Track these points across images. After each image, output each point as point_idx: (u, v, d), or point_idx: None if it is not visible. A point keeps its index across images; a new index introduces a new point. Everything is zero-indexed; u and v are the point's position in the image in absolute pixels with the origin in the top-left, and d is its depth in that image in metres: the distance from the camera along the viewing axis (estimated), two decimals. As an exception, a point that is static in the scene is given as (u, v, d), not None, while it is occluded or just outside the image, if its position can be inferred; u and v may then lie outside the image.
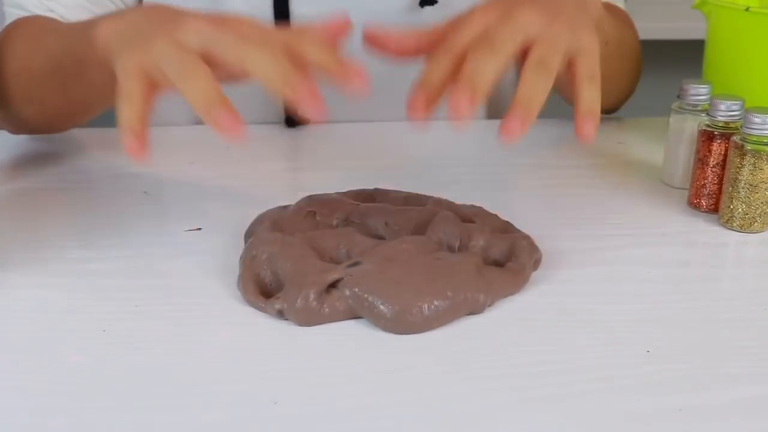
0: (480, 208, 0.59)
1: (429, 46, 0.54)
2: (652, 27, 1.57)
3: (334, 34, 0.54)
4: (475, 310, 0.49)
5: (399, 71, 0.88)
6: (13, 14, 0.77)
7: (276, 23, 0.78)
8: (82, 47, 0.59)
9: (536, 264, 0.54)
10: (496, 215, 0.58)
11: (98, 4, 0.78)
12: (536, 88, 0.49)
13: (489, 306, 0.50)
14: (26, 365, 0.45)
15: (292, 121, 0.84)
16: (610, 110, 0.86)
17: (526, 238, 0.56)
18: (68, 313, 0.50)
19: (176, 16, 0.52)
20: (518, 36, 0.50)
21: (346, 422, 0.41)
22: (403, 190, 0.61)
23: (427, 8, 0.81)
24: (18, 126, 0.77)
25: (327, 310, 0.48)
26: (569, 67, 0.52)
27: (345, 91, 0.50)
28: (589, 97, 0.51)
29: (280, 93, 0.48)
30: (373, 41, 0.55)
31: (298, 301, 0.48)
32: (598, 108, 0.51)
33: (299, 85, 0.48)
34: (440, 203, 0.59)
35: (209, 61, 0.49)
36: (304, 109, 0.48)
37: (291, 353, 0.46)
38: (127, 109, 0.49)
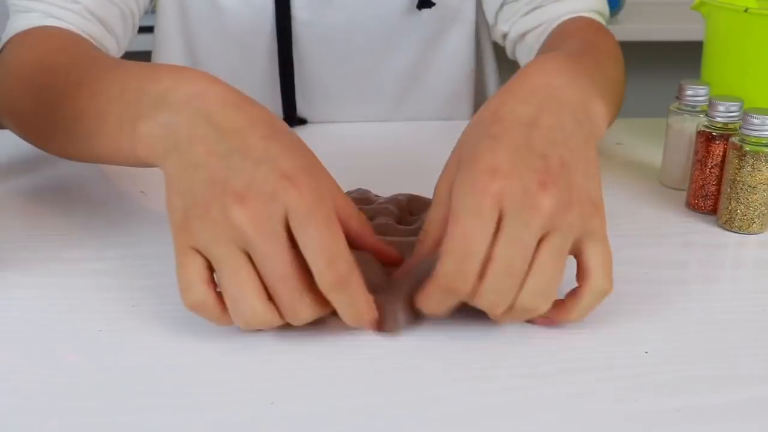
0: None
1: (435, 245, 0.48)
2: (650, 28, 1.57)
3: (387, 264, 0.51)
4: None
5: (400, 73, 0.88)
6: (16, 10, 0.72)
7: (277, 28, 0.79)
8: (121, 141, 0.51)
9: None
10: None
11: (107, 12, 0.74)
12: (552, 278, 0.46)
13: None
14: (23, 365, 0.44)
15: (291, 119, 0.84)
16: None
17: None
18: (65, 312, 0.49)
19: (226, 172, 0.45)
20: (535, 237, 0.45)
21: (344, 422, 0.40)
22: (404, 191, 0.61)
23: (425, 10, 0.82)
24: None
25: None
26: (577, 254, 0.48)
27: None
28: (589, 302, 0.47)
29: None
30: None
31: None
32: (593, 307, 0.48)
33: None
34: None
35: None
36: None
37: (288, 353, 0.46)
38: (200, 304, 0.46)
